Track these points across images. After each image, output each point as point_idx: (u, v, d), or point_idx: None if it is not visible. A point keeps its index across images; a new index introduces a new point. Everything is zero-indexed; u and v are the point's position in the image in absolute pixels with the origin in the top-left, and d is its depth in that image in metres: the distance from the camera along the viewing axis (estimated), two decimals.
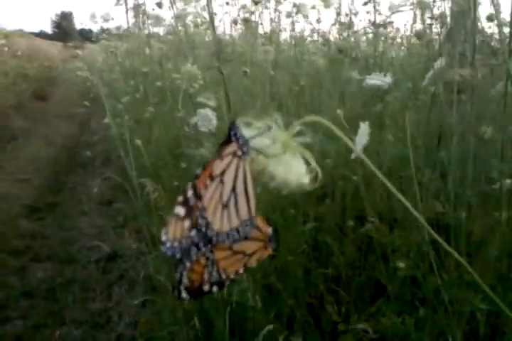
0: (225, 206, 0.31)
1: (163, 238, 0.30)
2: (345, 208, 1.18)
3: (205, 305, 1.15)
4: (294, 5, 1.28)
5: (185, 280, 0.34)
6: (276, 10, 1.35)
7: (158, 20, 1.71)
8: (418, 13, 1.30)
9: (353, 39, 1.45)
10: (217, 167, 0.30)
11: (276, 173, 0.29)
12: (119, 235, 1.91)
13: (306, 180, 0.29)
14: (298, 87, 1.33)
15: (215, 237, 0.31)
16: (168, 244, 0.30)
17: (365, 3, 1.28)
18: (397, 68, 1.43)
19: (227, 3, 1.28)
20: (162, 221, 1.14)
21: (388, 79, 1.03)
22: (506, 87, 0.74)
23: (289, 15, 1.52)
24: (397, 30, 1.45)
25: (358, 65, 1.37)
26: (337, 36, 1.43)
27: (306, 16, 1.31)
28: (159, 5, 1.24)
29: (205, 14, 1.73)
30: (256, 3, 1.01)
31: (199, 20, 1.77)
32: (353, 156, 0.86)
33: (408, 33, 1.37)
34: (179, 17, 1.73)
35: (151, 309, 1.44)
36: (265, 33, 1.42)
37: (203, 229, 0.31)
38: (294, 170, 0.29)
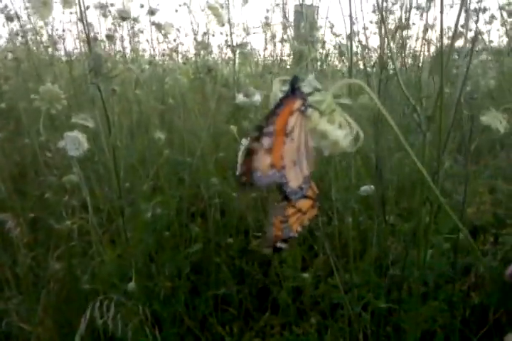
0: (295, 163, 0.31)
1: (256, 164, 0.29)
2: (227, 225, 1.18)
3: None
4: (153, 23, 1.25)
5: (271, 236, 0.35)
6: (133, 28, 1.32)
7: None
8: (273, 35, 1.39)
9: (210, 58, 1.48)
10: (290, 123, 0.30)
11: (327, 132, 0.30)
12: None
13: (346, 142, 0.30)
14: (162, 105, 1.30)
15: (291, 195, 0.31)
16: (259, 174, 0.29)
17: (223, 25, 1.30)
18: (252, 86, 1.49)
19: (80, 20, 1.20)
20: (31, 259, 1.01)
21: (258, 97, 1.07)
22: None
23: (139, 31, 1.49)
24: (254, 50, 1.52)
25: (218, 83, 1.39)
26: (196, 55, 1.44)
27: (165, 36, 1.29)
28: (11, 19, 1.11)
29: (50, 31, 1.61)
30: (124, 19, 0.96)
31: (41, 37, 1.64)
32: (237, 174, 0.86)
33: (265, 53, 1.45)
34: (18, 33, 1.58)
35: None
36: (121, 51, 1.37)
37: (284, 187, 0.31)
38: (341, 131, 0.30)
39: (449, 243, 0.79)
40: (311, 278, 0.88)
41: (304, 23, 1.38)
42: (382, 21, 0.77)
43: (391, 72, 0.92)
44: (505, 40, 1.53)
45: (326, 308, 0.87)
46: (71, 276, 1.08)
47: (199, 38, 1.38)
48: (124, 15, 0.92)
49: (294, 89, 0.30)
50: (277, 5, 1.49)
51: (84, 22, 0.73)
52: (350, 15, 1.03)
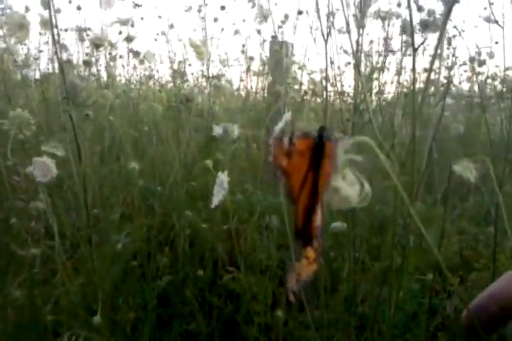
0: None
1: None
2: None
3: None
4: (131, 50, 1.26)
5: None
6: (110, 53, 1.31)
7: None
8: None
9: (186, 87, 1.48)
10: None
11: (340, 188, 0.29)
12: None
13: (356, 199, 0.29)
14: (136, 132, 1.29)
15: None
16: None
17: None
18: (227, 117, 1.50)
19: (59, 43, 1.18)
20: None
21: (236, 132, 1.07)
22: None
23: (115, 58, 1.49)
24: (229, 82, 1.54)
25: (193, 112, 1.39)
26: (171, 83, 1.45)
27: (141, 62, 1.29)
28: None
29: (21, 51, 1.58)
30: (98, 47, 0.96)
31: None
32: (212, 206, 0.85)
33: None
34: None
35: None
36: (95, 76, 1.36)
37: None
38: (353, 189, 0.29)
39: (418, 283, 0.80)
40: (283, 315, 0.87)
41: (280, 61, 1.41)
42: (356, 65, 0.80)
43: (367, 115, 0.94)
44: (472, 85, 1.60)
45: None
46: (31, 305, 1.03)
47: (175, 66, 1.38)
48: (97, 42, 0.91)
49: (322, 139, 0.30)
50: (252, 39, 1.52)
51: (57, 45, 0.72)
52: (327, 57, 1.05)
